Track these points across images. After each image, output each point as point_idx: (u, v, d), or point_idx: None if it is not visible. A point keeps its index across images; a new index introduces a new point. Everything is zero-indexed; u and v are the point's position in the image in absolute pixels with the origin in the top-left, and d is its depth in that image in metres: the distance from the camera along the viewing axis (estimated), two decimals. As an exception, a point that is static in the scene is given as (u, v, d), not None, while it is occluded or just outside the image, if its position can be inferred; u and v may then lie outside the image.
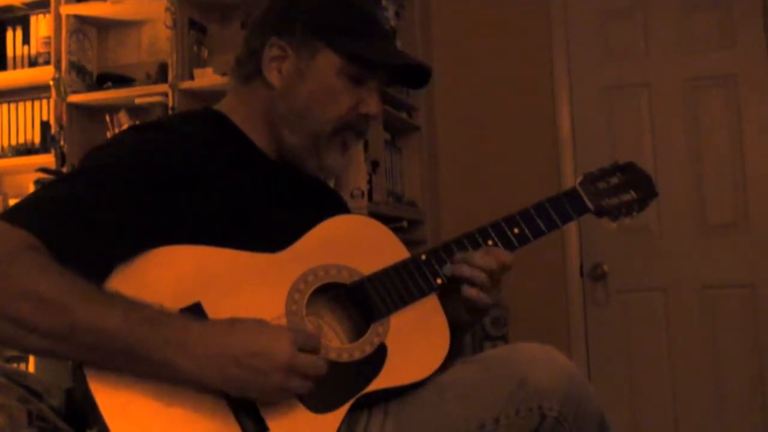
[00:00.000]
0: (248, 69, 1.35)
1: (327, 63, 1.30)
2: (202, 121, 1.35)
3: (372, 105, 1.33)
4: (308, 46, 1.31)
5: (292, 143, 1.33)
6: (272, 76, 1.32)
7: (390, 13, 3.01)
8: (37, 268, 1.02)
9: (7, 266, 1.01)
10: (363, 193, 2.64)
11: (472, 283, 1.29)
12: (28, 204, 1.12)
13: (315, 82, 1.31)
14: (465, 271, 1.29)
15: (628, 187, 1.47)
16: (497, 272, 1.30)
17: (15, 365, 1.22)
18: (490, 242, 1.34)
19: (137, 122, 3.11)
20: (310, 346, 1.12)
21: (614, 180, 1.47)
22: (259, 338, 1.08)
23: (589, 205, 1.42)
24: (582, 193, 1.42)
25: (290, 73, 1.32)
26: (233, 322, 1.10)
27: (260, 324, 1.11)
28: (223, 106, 1.38)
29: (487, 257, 1.30)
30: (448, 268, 1.30)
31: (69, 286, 1.03)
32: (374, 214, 2.68)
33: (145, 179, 1.16)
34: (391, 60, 1.34)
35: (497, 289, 1.32)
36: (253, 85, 1.35)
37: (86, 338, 1.03)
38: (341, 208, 1.50)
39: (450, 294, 1.32)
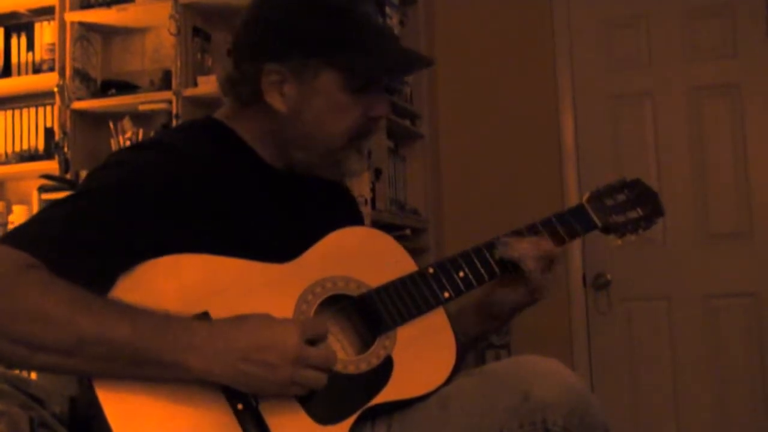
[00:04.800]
0: (245, 93, 1.31)
1: (330, 81, 1.26)
2: (204, 133, 1.33)
3: (380, 107, 1.31)
4: (307, 67, 1.26)
5: (307, 161, 1.32)
6: (275, 101, 1.28)
7: (394, 21, 3.01)
8: (39, 286, 1.03)
9: (8, 286, 1.02)
10: (366, 201, 2.64)
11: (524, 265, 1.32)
12: (28, 226, 1.12)
13: (321, 101, 1.27)
14: (517, 251, 1.32)
15: (635, 204, 1.47)
16: (545, 259, 1.33)
17: (17, 372, 1.22)
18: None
19: (141, 129, 3.13)
20: (317, 334, 1.13)
21: (621, 197, 1.47)
22: (266, 332, 1.09)
23: (597, 222, 1.43)
24: (589, 210, 1.43)
25: (293, 95, 1.27)
26: (240, 319, 1.11)
27: (266, 318, 1.12)
28: (224, 117, 1.36)
29: (535, 245, 1.33)
30: (500, 251, 1.32)
31: (73, 300, 1.03)
32: (377, 222, 2.68)
33: (146, 199, 1.15)
34: (393, 66, 1.33)
35: (551, 276, 1.35)
36: (254, 108, 1.31)
37: (95, 350, 1.03)
38: (352, 213, 1.49)
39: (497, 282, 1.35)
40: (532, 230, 1.37)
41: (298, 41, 1.26)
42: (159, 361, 1.05)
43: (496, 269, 1.35)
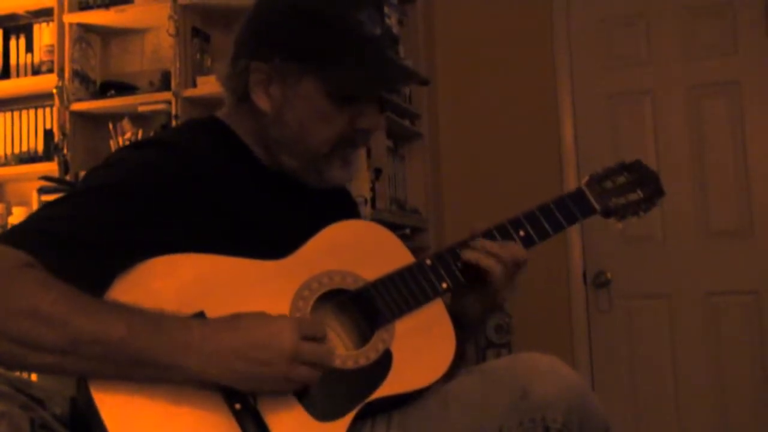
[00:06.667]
0: (238, 89, 1.31)
1: (312, 87, 1.25)
2: (204, 132, 1.33)
3: (369, 118, 1.28)
4: (291, 71, 1.25)
5: (290, 166, 1.31)
6: (260, 100, 1.28)
7: (393, 21, 3.01)
8: (36, 285, 1.02)
9: (5, 284, 1.01)
10: (366, 201, 2.64)
11: (486, 272, 1.29)
12: (25, 225, 1.12)
13: (304, 106, 1.26)
14: (481, 258, 1.29)
15: (635, 186, 1.45)
16: (510, 265, 1.30)
17: (18, 373, 1.21)
18: None
19: (140, 130, 3.13)
20: (314, 333, 1.12)
21: (621, 179, 1.45)
22: (261, 330, 1.09)
23: (596, 205, 1.41)
24: (588, 194, 1.41)
25: (278, 97, 1.27)
26: (235, 318, 1.10)
27: (262, 316, 1.11)
28: (224, 116, 1.36)
29: (502, 248, 1.30)
30: (465, 253, 1.30)
31: (69, 299, 1.03)
32: (377, 222, 2.67)
33: (145, 198, 1.15)
34: (374, 81, 1.28)
35: (512, 284, 1.33)
36: (246, 105, 1.31)
37: (91, 350, 1.03)
38: (349, 210, 1.49)
39: (461, 288, 1.32)
40: (528, 218, 1.35)
41: (282, 44, 1.26)
42: (154, 361, 1.05)
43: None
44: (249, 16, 1.33)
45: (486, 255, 1.30)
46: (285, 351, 1.08)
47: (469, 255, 1.30)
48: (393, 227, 2.79)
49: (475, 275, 1.31)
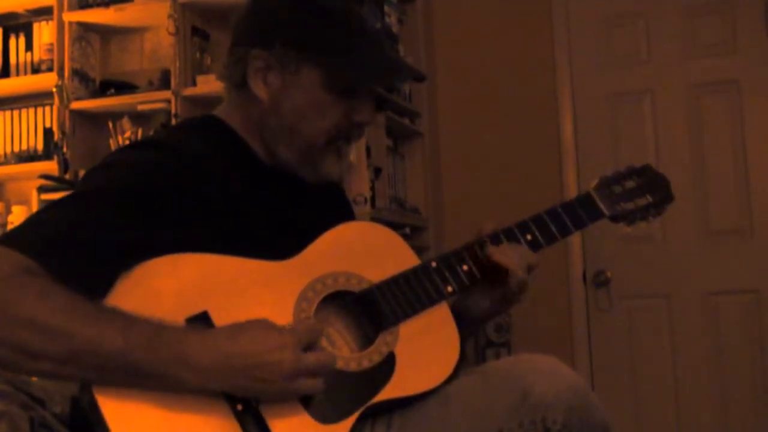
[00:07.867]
0: (236, 77, 1.31)
1: (311, 77, 1.26)
2: (201, 131, 1.33)
3: (365, 113, 1.29)
4: (291, 60, 1.26)
5: (285, 157, 1.30)
6: (258, 88, 1.28)
7: (392, 20, 3.01)
8: (34, 293, 1.02)
9: (4, 291, 1.01)
10: (366, 200, 2.64)
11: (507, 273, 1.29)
12: (23, 228, 1.12)
13: (301, 96, 1.26)
14: (507, 259, 1.29)
15: (644, 191, 1.45)
16: (525, 269, 1.30)
17: (17, 373, 1.22)
18: None
19: (140, 129, 3.13)
20: (313, 340, 1.12)
21: (630, 184, 1.44)
22: (261, 346, 1.07)
23: (604, 210, 1.40)
24: (596, 198, 1.40)
25: (276, 85, 1.27)
26: (235, 330, 1.09)
27: (263, 329, 1.10)
28: (221, 112, 1.36)
29: (517, 251, 1.30)
30: (487, 250, 1.30)
31: (67, 309, 1.02)
32: (377, 221, 2.67)
33: (143, 198, 1.15)
34: (373, 76, 1.29)
35: (525, 291, 1.33)
36: (244, 94, 1.31)
37: (88, 360, 1.03)
38: (346, 211, 1.49)
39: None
40: (536, 222, 1.35)
41: (283, 32, 1.26)
42: (151, 373, 1.04)
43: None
44: (249, 4, 1.33)
45: (510, 256, 1.29)
46: (285, 369, 1.07)
47: (497, 255, 1.29)
48: (393, 226, 2.78)
49: (494, 275, 1.30)
